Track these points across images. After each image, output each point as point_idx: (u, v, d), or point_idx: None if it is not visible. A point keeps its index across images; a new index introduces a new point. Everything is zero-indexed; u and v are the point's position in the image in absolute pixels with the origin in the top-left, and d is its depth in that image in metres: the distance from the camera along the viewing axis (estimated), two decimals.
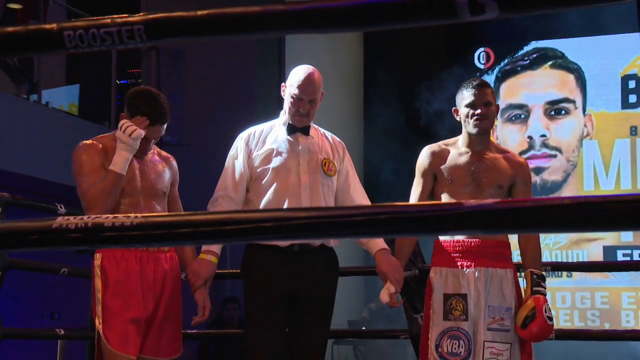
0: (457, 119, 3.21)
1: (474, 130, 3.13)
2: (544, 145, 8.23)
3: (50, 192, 6.59)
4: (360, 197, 3.26)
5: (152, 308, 3.03)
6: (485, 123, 3.13)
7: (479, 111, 3.11)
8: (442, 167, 3.15)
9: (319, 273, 3.15)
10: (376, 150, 8.28)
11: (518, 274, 3.18)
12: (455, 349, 3.02)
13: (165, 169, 3.16)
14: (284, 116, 3.22)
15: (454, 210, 1.04)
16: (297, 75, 3.15)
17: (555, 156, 8.20)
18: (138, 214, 1.14)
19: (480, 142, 3.16)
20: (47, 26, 1.15)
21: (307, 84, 3.12)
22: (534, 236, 3.14)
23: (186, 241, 1.14)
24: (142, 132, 2.94)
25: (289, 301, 3.12)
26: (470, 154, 3.15)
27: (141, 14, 1.13)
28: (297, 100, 3.13)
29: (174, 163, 3.22)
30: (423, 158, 3.20)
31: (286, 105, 3.18)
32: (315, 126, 3.28)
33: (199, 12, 1.11)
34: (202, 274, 3.11)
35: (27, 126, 6.54)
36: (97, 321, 2.99)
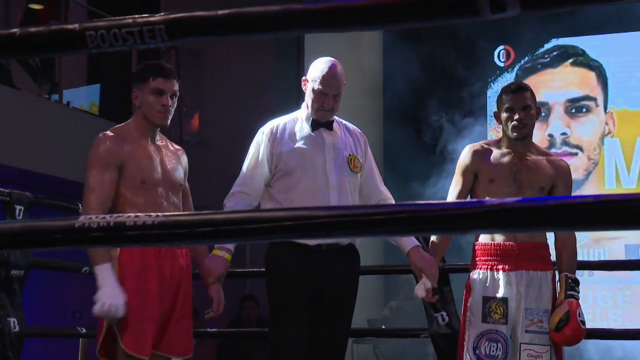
0: (498, 122, 3.22)
1: (513, 135, 3.13)
2: (565, 143, 8.17)
3: (72, 191, 6.62)
4: (385, 189, 3.26)
5: (168, 305, 2.98)
6: (524, 129, 3.13)
7: (517, 116, 3.11)
8: (484, 165, 3.16)
9: (344, 272, 3.13)
10: (395, 142, 8.27)
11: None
12: (493, 351, 3.03)
13: (180, 160, 3.13)
14: (306, 110, 3.14)
15: (475, 208, 1.04)
16: (319, 69, 3.08)
17: (576, 154, 8.14)
18: (160, 213, 1.15)
19: (522, 144, 3.16)
20: (70, 26, 1.15)
21: (330, 79, 3.05)
22: (570, 240, 3.13)
23: (207, 240, 1.14)
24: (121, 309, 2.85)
25: (313, 299, 3.09)
26: (512, 154, 3.15)
27: (162, 13, 1.13)
28: (320, 96, 3.06)
29: (185, 156, 3.18)
30: (465, 156, 3.20)
31: (308, 99, 3.10)
32: (337, 118, 3.21)
33: (220, 12, 1.11)
34: (215, 271, 3.06)
35: (48, 126, 6.58)
36: None
